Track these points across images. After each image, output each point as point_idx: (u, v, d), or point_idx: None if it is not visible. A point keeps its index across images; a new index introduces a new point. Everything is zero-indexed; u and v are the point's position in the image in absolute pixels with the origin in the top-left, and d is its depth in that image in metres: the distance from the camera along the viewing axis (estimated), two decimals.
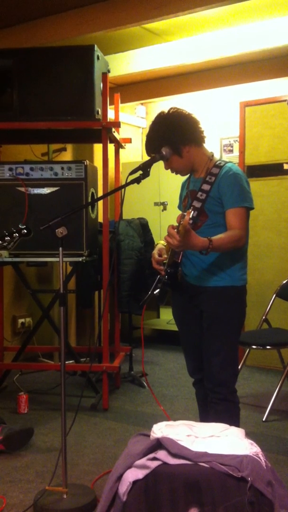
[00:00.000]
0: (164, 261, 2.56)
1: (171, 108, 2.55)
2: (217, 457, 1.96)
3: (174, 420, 2.30)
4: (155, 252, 2.56)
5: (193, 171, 2.61)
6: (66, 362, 3.27)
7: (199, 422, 2.48)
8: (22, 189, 3.80)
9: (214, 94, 5.72)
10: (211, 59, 4.74)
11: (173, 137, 2.48)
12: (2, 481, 2.79)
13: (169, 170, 2.61)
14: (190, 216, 2.15)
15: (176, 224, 2.25)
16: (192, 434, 2.12)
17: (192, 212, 2.23)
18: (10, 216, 3.80)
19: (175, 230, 2.20)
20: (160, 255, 2.54)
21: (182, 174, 2.66)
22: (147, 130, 2.59)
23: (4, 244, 2.80)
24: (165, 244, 2.60)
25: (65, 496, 2.51)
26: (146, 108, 6.42)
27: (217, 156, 2.63)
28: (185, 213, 2.14)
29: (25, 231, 2.80)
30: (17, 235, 2.78)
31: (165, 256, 2.55)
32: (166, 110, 2.54)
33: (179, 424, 2.21)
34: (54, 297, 4.17)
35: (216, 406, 2.52)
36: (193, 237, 2.23)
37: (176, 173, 2.63)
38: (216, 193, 2.47)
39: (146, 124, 6.33)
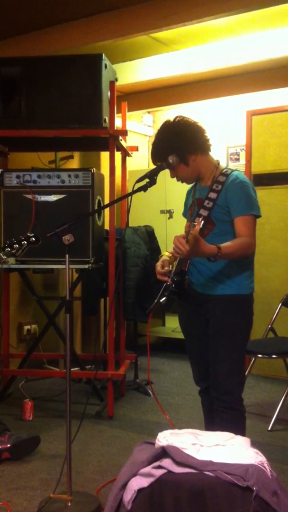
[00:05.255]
0: (171, 270, 2.56)
1: (177, 117, 2.55)
2: (222, 466, 1.95)
3: (179, 428, 2.29)
4: (159, 264, 2.56)
5: (199, 179, 2.61)
6: (71, 369, 3.27)
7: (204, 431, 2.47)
8: (29, 196, 3.82)
9: (221, 103, 5.73)
10: (218, 68, 4.76)
11: (180, 146, 2.48)
12: (7, 488, 2.79)
13: (175, 178, 2.62)
14: (200, 226, 2.15)
15: (182, 233, 2.25)
16: (198, 442, 2.11)
17: (202, 222, 2.24)
18: (17, 223, 3.82)
19: (185, 239, 2.21)
20: (163, 267, 2.55)
21: (188, 183, 2.67)
22: (153, 138, 2.59)
23: (13, 251, 2.81)
24: (170, 255, 2.61)
25: (69, 504, 2.50)
26: (153, 117, 6.46)
27: (223, 164, 2.63)
28: (195, 223, 2.14)
29: (34, 239, 2.81)
30: (26, 242, 2.80)
31: (167, 268, 2.55)
32: (172, 119, 2.55)
33: (184, 432, 2.21)
34: (60, 304, 4.18)
35: (222, 414, 2.51)
36: (202, 245, 2.24)
37: (182, 182, 2.64)
38: (223, 201, 2.47)
39: (153, 132, 6.36)
